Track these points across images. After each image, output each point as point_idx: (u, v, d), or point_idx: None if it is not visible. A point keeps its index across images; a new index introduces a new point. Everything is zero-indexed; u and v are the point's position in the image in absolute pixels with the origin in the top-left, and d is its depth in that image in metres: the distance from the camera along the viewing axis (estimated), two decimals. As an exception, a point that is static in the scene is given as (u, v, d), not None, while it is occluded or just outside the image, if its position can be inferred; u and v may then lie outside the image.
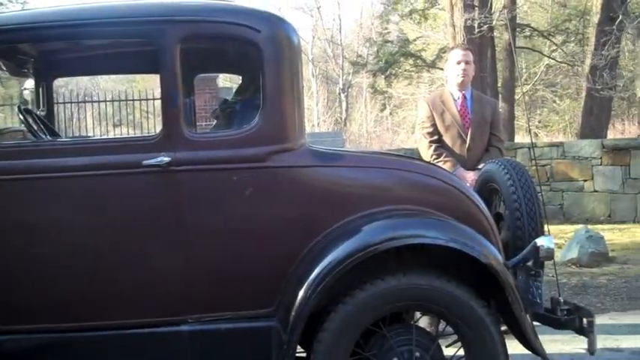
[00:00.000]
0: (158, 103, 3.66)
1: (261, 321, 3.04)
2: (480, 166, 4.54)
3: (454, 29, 14.71)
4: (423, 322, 3.87)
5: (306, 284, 2.96)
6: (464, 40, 14.29)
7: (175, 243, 3.02)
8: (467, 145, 4.79)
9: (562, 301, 3.31)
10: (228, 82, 17.82)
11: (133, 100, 13.57)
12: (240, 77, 4.11)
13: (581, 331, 3.28)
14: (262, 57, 3.07)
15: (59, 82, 11.12)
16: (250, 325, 3.03)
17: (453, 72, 4.90)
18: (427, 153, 4.76)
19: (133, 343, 3.01)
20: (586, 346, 3.27)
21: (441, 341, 3.20)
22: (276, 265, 3.05)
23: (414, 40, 23.26)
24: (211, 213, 3.05)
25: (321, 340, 2.97)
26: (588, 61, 15.28)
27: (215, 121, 4.16)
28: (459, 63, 4.86)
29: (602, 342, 4.34)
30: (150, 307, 3.02)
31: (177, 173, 3.01)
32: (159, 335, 3.02)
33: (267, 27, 3.11)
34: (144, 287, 3.03)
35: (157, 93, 3.18)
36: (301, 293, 2.96)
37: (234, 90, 4.95)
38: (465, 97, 4.89)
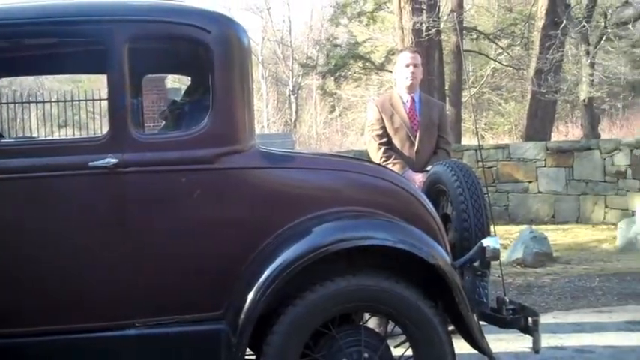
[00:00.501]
0: (105, 103, 3.59)
1: (210, 324, 3.01)
2: (428, 168, 4.60)
3: (403, 32, 14.85)
4: (372, 322, 3.90)
5: (255, 286, 2.95)
6: (412, 43, 14.44)
7: (122, 246, 2.97)
8: (415, 147, 4.84)
9: (507, 300, 3.37)
10: (176, 82, 17.66)
11: (79, 100, 13.33)
12: (189, 78, 4.08)
13: (526, 329, 3.34)
14: (212, 58, 3.05)
15: (2, 82, 10.87)
16: (198, 329, 3.01)
17: (402, 75, 4.94)
18: (377, 155, 4.79)
19: (79, 348, 2.96)
20: (531, 345, 3.33)
21: (389, 341, 3.23)
22: (225, 268, 3.03)
23: (363, 42, 23.42)
24: (159, 215, 3.01)
25: (270, 343, 2.97)
26: (533, 65, 15.59)
27: (163, 122, 4.12)
28: (407, 66, 4.91)
29: (547, 340, 4.43)
30: (96, 311, 2.97)
31: (125, 175, 2.96)
32: (105, 340, 2.96)
33: (217, 28, 3.09)
34: (90, 291, 2.97)
35: (104, 93, 3.13)
36: (250, 295, 2.95)
37: (182, 91, 4.90)
38: (413, 100, 4.93)
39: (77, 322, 2.95)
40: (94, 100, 12.77)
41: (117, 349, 2.98)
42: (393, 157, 4.74)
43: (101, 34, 3.00)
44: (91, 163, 2.93)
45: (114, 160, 2.94)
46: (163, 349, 3.01)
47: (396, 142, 4.87)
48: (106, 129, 3.08)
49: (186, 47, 3.25)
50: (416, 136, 4.84)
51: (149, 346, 2.99)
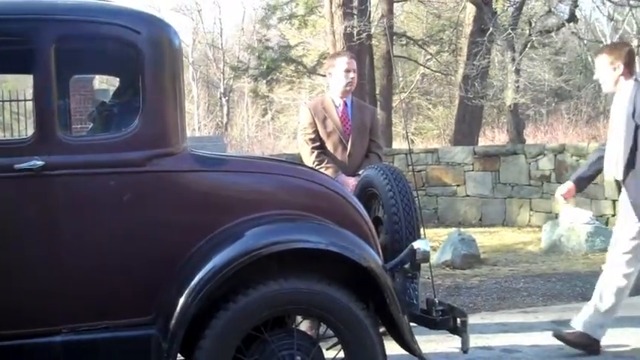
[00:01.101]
0: (30, 104, 3.49)
1: (140, 329, 2.96)
2: (360, 172, 4.64)
3: (334, 36, 14.94)
4: (304, 325, 3.90)
5: (187, 290, 2.92)
6: (343, 48, 14.53)
7: (49, 250, 2.89)
8: (348, 151, 4.87)
9: (437, 302, 3.42)
10: (104, 84, 17.31)
11: (3, 100, 12.92)
12: (119, 79, 4.00)
13: (455, 330, 3.40)
14: (142, 59, 3.00)
15: None
16: (128, 334, 2.95)
17: (341, 80, 4.95)
18: (309, 159, 4.80)
19: (4, 355, 2.86)
20: (459, 345, 3.39)
21: (321, 344, 3.23)
22: (156, 272, 2.99)
23: (295, 45, 23.45)
24: (87, 219, 2.94)
25: (201, 347, 2.93)
26: (461, 71, 15.93)
27: (92, 124, 4.03)
28: (347, 71, 4.93)
29: (475, 341, 4.52)
30: (22, 318, 2.88)
31: (52, 178, 2.89)
32: (31, 347, 2.87)
33: (147, 28, 3.04)
34: (15, 297, 2.88)
35: (30, 94, 3.05)
36: (182, 300, 2.91)
37: (111, 92, 4.81)
38: (345, 104, 4.97)
39: (2, 328, 2.85)
40: (19, 100, 12.41)
41: (43, 356, 2.90)
42: (326, 161, 4.76)
43: (27, 33, 2.93)
44: (16, 165, 2.84)
45: (40, 163, 2.86)
46: (91, 356, 2.94)
47: (329, 145, 4.89)
48: (31, 130, 2.99)
49: (115, 48, 3.19)
50: (348, 140, 4.88)
51: (76, 353, 2.91)
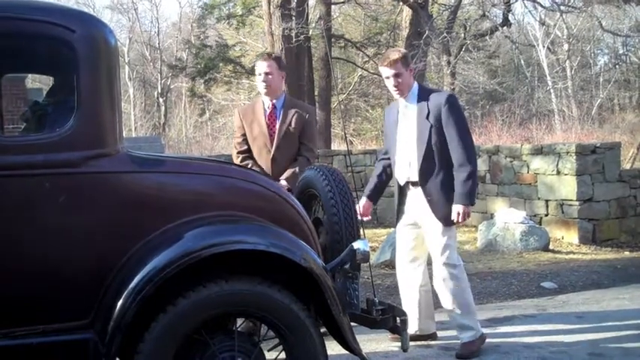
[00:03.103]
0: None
1: (77, 333, 2.89)
2: (283, 177, 4.65)
3: (272, 37, 14.93)
4: (244, 326, 3.88)
5: (125, 293, 2.86)
6: (282, 49, 14.55)
7: (-20, 254, 2.80)
8: (271, 155, 4.84)
9: (377, 301, 3.46)
10: (37, 83, 16.89)
11: None
12: (53, 79, 3.90)
13: (395, 329, 3.44)
14: (77, 58, 2.94)
15: None
16: (64, 339, 2.87)
17: (258, 83, 4.99)
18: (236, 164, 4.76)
19: None
20: (399, 344, 3.43)
21: (263, 345, 3.22)
22: (93, 275, 2.92)
23: (233, 45, 23.34)
24: (20, 221, 2.86)
25: (141, 351, 2.89)
26: (398, 73, 16.06)
27: (24, 124, 3.92)
28: (260, 74, 4.93)
29: (414, 339, 4.58)
30: None
31: (-17, 179, 2.80)
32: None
33: (81, 27, 2.98)
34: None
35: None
36: (120, 303, 2.86)
37: (44, 92, 4.69)
38: (274, 107, 4.93)
39: None
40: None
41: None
42: (250, 166, 4.72)
43: (-45, 31, 2.83)
44: (-55, 167, 2.74)
45: (-30, 164, 2.76)
46: (26, 362, 2.86)
47: (254, 149, 4.88)
48: (-39, 131, 2.89)
49: (48, 46, 3.11)
50: (273, 144, 4.84)
51: (12, 358, 2.83)
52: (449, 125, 4.49)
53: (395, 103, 4.84)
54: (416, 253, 4.82)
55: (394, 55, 4.64)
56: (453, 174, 4.53)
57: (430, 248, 4.72)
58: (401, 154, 4.66)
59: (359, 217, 4.01)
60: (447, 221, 4.58)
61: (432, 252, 4.71)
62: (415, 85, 4.68)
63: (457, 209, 4.51)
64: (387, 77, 4.64)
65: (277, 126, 4.87)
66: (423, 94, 4.61)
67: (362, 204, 4.81)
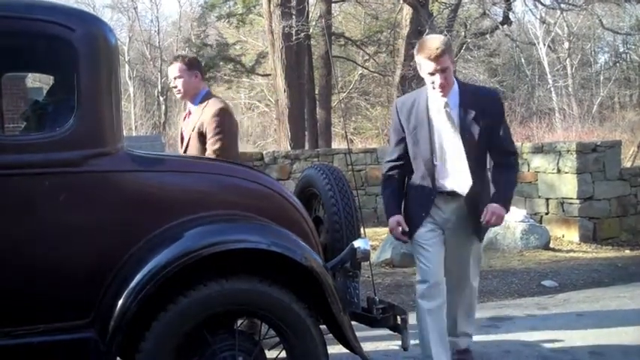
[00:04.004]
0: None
1: (78, 332, 2.89)
2: None
3: (272, 36, 14.93)
4: (245, 325, 3.88)
5: (125, 292, 2.86)
6: (282, 47, 14.56)
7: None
8: None
9: (377, 300, 3.46)
10: (38, 82, 16.89)
11: None
12: (53, 78, 3.90)
13: (395, 328, 3.44)
14: (77, 57, 2.93)
15: None
16: (65, 338, 2.87)
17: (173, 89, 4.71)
18: None
19: None
20: (400, 342, 3.43)
21: (263, 344, 3.22)
22: (93, 274, 2.92)
23: (234, 44, 23.32)
24: (20, 221, 2.86)
25: (142, 349, 2.89)
26: (398, 72, 16.07)
27: (25, 123, 3.92)
28: (170, 80, 4.69)
29: (415, 338, 4.58)
30: None
31: (-17, 178, 2.80)
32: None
33: (81, 26, 2.97)
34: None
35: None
36: (121, 302, 2.86)
37: (45, 91, 4.69)
38: (189, 112, 4.59)
39: None
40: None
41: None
42: None
43: (-45, 31, 2.83)
44: (-54, 166, 2.74)
45: (-29, 163, 2.76)
46: (27, 361, 2.86)
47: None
48: (-39, 130, 2.89)
49: (48, 45, 3.11)
50: (185, 149, 4.48)
51: (12, 357, 2.83)
52: (497, 126, 3.84)
53: (413, 98, 3.94)
54: (442, 276, 3.93)
55: (438, 43, 3.70)
56: (493, 173, 3.90)
57: (457, 264, 4.04)
58: (442, 163, 3.85)
59: (401, 239, 3.93)
60: (482, 236, 4.08)
61: (460, 268, 4.05)
62: (456, 81, 3.86)
63: (495, 209, 3.74)
64: (431, 73, 3.71)
65: (189, 129, 4.46)
66: (466, 92, 3.84)
67: (399, 221, 3.91)
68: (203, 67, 4.84)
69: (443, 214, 3.92)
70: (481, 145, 3.81)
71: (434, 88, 3.74)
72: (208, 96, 4.59)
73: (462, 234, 3.97)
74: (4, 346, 2.81)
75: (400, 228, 3.90)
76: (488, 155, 3.95)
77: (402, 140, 3.95)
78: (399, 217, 3.92)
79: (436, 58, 3.67)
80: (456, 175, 3.86)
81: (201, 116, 4.39)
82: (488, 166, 4.00)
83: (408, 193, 4.02)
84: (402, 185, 4.03)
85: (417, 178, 3.92)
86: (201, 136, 4.35)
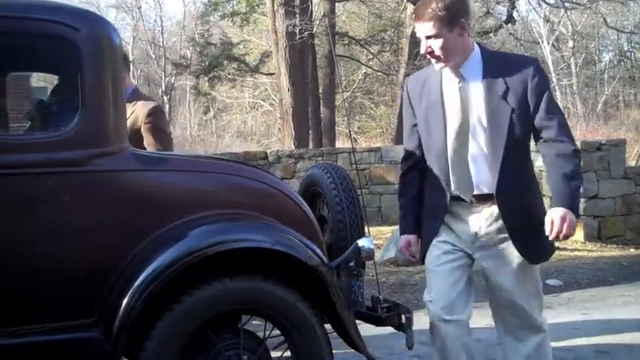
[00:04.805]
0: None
1: (82, 332, 2.89)
2: None
3: (276, 35, 14.94)
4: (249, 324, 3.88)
5: (130, 292, 2.86)
6: (286, 46, 14.55)
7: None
8: None
9: (382, 299, 3.45)
10: (42, 82, 16.91)
11: None
12: (57, 77, 3.91)
13: (400, 327, 3.43)
14: (81, 56, 2.93)
15: None
16: (69, 337, 2.87)
17: None
18: None
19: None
20: (405, 341, 3.42)
21: (268, 343, 3.22)
22: (97, 274, 2.92)
23: (237, 43, 23.32)
24: (23, 220, 2.86)
25: (147, 349, 2.89)
26: (402, 71, 16.09)
27: (29, 122, 3.93)
28: None
29: (419, 336, 4.57)
30: None
31: (-12, 178, 2.80)
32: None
33: (85, 25, 2.97)
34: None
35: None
36: (125, 301, 2.86)
37: (49, 90, 4.68)
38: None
39: None
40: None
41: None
42: None
43: (-42, 31, 2.83)
44: (-50, 166, 2.75)
45: (-24, 162, 2.77)
46: (31, 360, 2.87)
47: None
48: (-34, 130, 2.90)
49: (52, 45, 3.11)
50: None
51: (15, 357, 2.83)
52: (541, 104, 2.88)
53: (427, 74, 3.11)
54: (464, 290, 3.06)
55: (432, 4, 2.86)
56: (548, 168, 2.97)
57: (502, 302, 3.05)
58: (459, 156, 2.96)
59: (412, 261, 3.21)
60: (537, 256, 2.98)
61: (507, 308, 3.05)
62: (476, 48, 2.99)
63: (558, 215, 2.76)
64: (421, 39, 2.97)
65: None
66: (492, 62, 2.94)
67: (410, 243, 3.18)
68: (130, 63, 4.64)
69: (467, 227, 2.98)
70: (516, 130, 2.87)
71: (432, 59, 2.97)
72: (136, 93, 4.51)
73: (503, 255, 2.96)
74: (9, 345, 2.81)
75: (411, 249, 3.16)
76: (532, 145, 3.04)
77: (416, 127, 3.11)
78: (410, 237, 3.14)
79: (419, 20, 2.90)
80: (480, 172, 2.93)
81: (131, 115, 4.21)
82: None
83: (424, 200, 3.13)
84: (421, 191, 3.14)
85: (431, 178, 3.05)
86: (136, 134, 4.17)
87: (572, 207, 2.80)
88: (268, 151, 11.87)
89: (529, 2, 17.14)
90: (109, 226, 2.96)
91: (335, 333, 3.29)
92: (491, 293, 3.10)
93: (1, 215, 2.83)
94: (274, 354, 3.26)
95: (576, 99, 29.34)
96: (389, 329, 3.56)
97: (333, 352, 3.18)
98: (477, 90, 2.91)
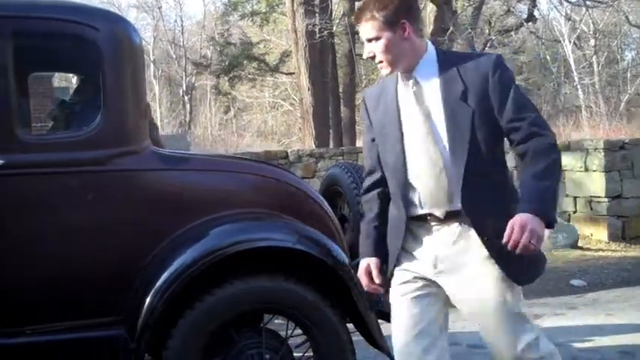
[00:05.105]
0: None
1: (107, 329, 2.91)
2: None
3: (296, 34, 14.93)
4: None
5: (152, 291, 2.88)
6: (305, 46, 14.54)
7: (9, 251, 2.82)
8: None
9: (404, 298, 3.42)
10: (64, 82, 17.06)
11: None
12: (79, 77, 3.93)
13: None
14: (101, 56, 2.95)
15: None
16: (94, 335, 2.90)
17: None
18: None
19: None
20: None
21: (290, 342, 3.22)
22: (120, 272, 2.94)
23: (257, 43, 23.36)
24: (48, 219, 2.88)
25: (169, 347, 2.90)
26: (423, 69, 15.97)
27: (52, 122, 3.95)
28: None
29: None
30: None
31: (11, 177, 2.82)
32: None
33: (105, 25, 2.99)
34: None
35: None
36: (148, 300, 2.88)
37: (71, 90, 4.71)
38: None
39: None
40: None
41: (5, 358, 2.83)
42: None
43: (-16, 31, 2.85)
44: (-25, 165, 2.77)
45: (0, 162, 2.78)
46: (56, 357, 2.89)
47: None
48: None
49: (73, 45, 3.14)
50: None
51: (41, 354, 2.86)
52: (506, 103, 2.45)
53: (384, 85, 2.70)
54: (428, 328, 2.52)
55: (368, 4, 2.53)
56: (521, 170, 2.52)
57: (484, 326, 2.56)
58: (418, 169, 2.52)
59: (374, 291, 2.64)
60: (516, 271, 2.46)
61: (491, 333, 2.55)
62: (430, 49, 2.61)
63: (518, 221, 2.29)
64: (364, 43, 2.59)
65: None
66: (448, 62, 2.57)
67: (369, 268, 2.58)
68: None
69: (426, 250, 2.52)
70: (479, 135, 2.46)
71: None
72: None
73: (471, 278, 2.47)
74: (32, 342, 2.83)
75: (369, 276, 2.58)
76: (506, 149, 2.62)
77: (375, 142, 2.68)
78: (369, 260, 2.60)
79: (358, 22, 2.57)
80: (438, 187, 2.49)
81: None
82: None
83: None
84: (383, 210, 2.66)
85: (392, 197, 2.62)
86: None
87: (541, 211, 2.30)
88: (289, 151, 11.87)
89: (550, 0, 17.02)
90: (131, 225, 2.98)
91: (357, 332, 3.27)
92: (467, 313, 2.60)
93: (26, 215, 2.85)
94: (296, 353, 3.26)
95: (599, 98, 29.06)
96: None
97: (355, 350, 3.16)
98: (433, 94, 2.53)
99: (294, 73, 18.17)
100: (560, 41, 30.68)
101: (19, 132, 2.88)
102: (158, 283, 2.88)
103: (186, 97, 33.87)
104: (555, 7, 19.01)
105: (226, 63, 20.96)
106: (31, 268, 2.85)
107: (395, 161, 2.57)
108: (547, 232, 2.32)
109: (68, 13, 2.98)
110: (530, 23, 17.10)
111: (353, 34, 15.42)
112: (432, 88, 2.53)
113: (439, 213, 2.48)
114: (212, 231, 3.03)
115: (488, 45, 16.89)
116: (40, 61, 3.86)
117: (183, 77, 34.03)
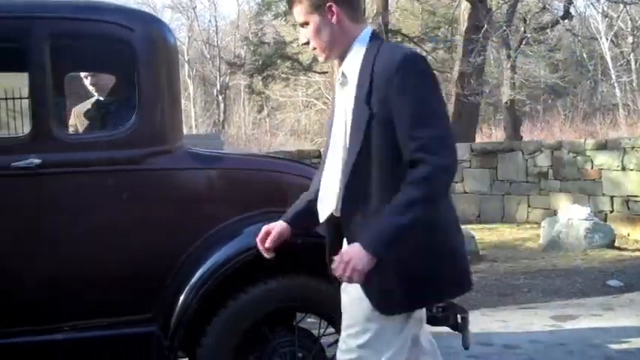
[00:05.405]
0: (26, 102, 3.45)
1: (141, 327, 2.95)
2: None
3: (330, 33, 14.88)
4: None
5: (187, 289, 2.91)
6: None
7: (47, 248, 2.87)
8: None
9: (437, 298, 3.40)
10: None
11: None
12: (114, 77, 3.97)
13: (455, 327, 3.38)
14: (136, 57, 2.98)
15: None
16: (129, 332, 2.94)
17: None
18: None
19: (6, 353, 2.84)
20: (460, 342, 3.37)
21: (322, 341, 3.22)
22: (155, 270, 2.97)
23: (291, 42, 23.39)
24: (84, 217, 2.92)
25: (203, 345, 2.93)
26: (457, 68, 15.89)
27: (88, 122, 4.00)
28: None
29: (475, 337, 4.51)
30: (23, 316, 2.86)
31: (48, 176, 2.87)
32: (33, 345, 2.86)
33: (140, 26, 3.03)
34: (15, 295, 2.86)
35: (26, 92, 3.04)
36: (182, 297, 2.91)
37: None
38: None
39: (3, 326, 2.83)
40: (14, 98, 12.35)
41: (44, 354, 2.88)
42: None
43: (21, 32, 2.90)
44: (13, 164, 2.82)
45: (37, 161, 2.83)
46: (93, 354, 2.93)
47: None
48: (27, 129, 2.97)
49: (109, 46, 3.17)
50: None
51: (78, 350, 2.90)
52: (403, 114, 2.21)
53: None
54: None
55: None
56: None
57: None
58: (327, 168, 2.44)
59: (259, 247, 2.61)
60: (385, 303, 2.30)
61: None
62: (362, 37, 2.37)
63: (346, 254, 2.21)
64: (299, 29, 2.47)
65: None
66: (369, 55, 2.31)
67: (270, 229, 2.59)
68: None
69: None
70: (374, 142, 2.25)
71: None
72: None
73: (348, 291, 2.40)
74: (71, 339, 2.88)
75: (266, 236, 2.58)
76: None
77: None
78: (278, 224, 2.59)
79: (290, 7, 2.43)
80: (330, 189, 2.40)
81: None
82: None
83: None
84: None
85: None
86: None
87: (372, 248, 2.17)
88: (322, 150, 11.88)
89: (587, -3, 16.77)
90: (165, 224, 3.01)
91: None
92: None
93: (62, 213, 2.89)
94: (329, 353, 3.25)
95: (636, 96, 28.55)
96: (445, 329, 3.51)
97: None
98: (351, 89, 2.32)
99: (327, 72, 18.17)
100: (597, 39, 30.22)
101: (56, 131, 2.92)
102: (192, 281, 2.91)
103: (220, 97, 34.09)
104: (592, 4, 18.77)
105: (260, 62, 21.02)
106: (67, 267, 2.89)
107: (323, 155, 2.50)
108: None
109: (104, 14, 3.02)
110: (566, 20, 16.89)
111: (387, 33, 15.37)
112: (352, 83, 2.33)
113: (328, 213, 2.41)
114: (246, 229, 3.04)
115: (523, 42, 16.71)
116: (76, 62, 3.91)
117: (217, 77, 34.26)
